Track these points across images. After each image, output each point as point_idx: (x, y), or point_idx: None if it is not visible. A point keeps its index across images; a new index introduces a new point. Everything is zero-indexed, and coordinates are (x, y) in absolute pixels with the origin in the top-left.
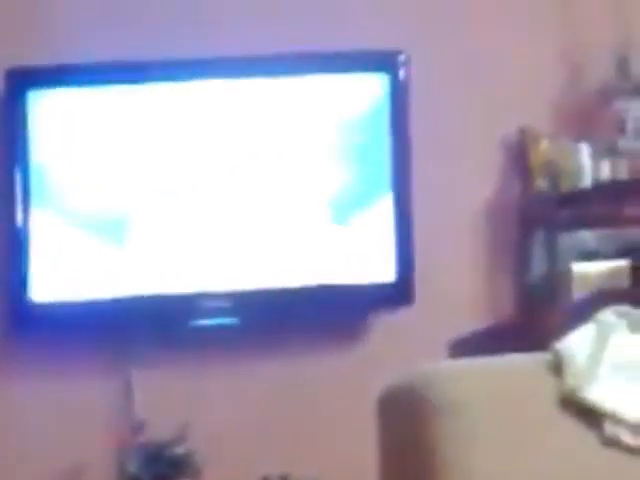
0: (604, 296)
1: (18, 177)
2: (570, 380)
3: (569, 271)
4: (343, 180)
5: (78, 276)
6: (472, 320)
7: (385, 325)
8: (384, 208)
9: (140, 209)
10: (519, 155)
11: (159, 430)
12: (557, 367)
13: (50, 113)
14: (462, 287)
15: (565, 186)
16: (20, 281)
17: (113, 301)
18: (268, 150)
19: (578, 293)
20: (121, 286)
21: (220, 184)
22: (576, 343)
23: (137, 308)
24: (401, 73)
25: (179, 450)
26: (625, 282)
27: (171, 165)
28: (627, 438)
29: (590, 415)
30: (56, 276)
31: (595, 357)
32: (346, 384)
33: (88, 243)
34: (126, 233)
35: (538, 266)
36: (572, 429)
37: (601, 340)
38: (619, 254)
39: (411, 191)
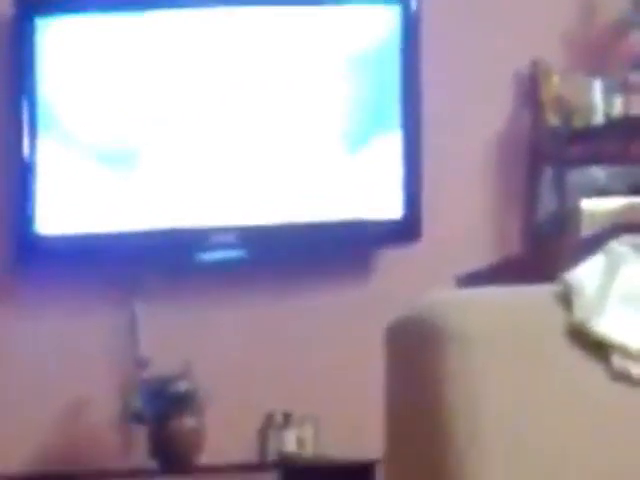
0: (617, 229)
1: (25, 107)
2: (579, 312)
3: (578, 208)
4: (352, 114)
5: (84, 208)
6: (480, 256)
7: (392, 261)
8: (393, 143)
9: (149, 141)
10: (531, 89)
11: (163, 366)
12: (566, 298)
13: (59, 41)
14: (470, 223)
15: (576, 122)
16: (26, 213)
17: (119, 235)
18: (278, 82)
19: (587, 230)
20: (127, 219)
21: (230, 116)
22: (585, 274)
23: (143, 242)
24: (413, 5)
25: (183, 386)
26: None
27: (181, 96)
28: (636, 371)
29: (599, 348)
30: (62, 209)
31: (604, 288)
32: (352, 321)
33: (95, 175)
34: (134, 165)
35: (547, 202)
36: (580, 362)
37: (611, 271)
38: (630, 191)
39: (421, 125)
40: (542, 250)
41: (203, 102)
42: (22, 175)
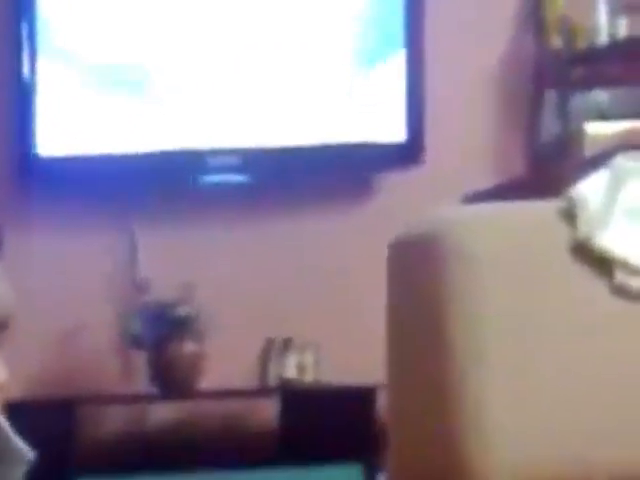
0: (618, 150)
1: (24, 26)
2: (583, 227)
3: (581, 131)
4: (355, 36)
5: (85, 130)
6: (483, 180)
7: (395, 184)
8: (396, 67)
9: (152, 61)
10: (534, 10)
11: (163, 290)
12: (570, 214)
13: None
14: (473, 146)
15: (580, 44)
16: (26, 135)
17: (119, 157)
18: (281, 5)
19: (590, 153)
20: (128, 141)
21: (236, 36)
22: (590, 189)
23: (144, 164)
24: None
25: (183, 311)
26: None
27: (185, 14)
28: (637, 285)
29: (602, 262)
30: (62, 130)
31: (608, 203)
32: (355, 245)
33: (96, 96)
34: (136, 86)
35: (551, 126)
36: (584, 277)
37: (615, 186)
38: (634, 114)
39: (424, 47)
40: (545, 172)
41: (208, 21)
42: (22, 96)
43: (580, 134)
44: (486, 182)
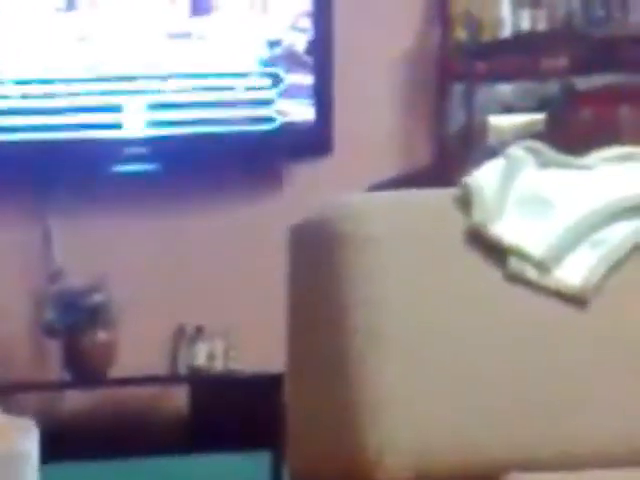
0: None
1: None
2: (478, 215)
3: (485, 123)
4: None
5: None
6: (391, 168)
7: (303, 175)
8: (305, 58)
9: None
10: (440, 4)
11: (76, 278)
12: (466, 202)
13: None
14: (381, 138)
15: (484, 37)
16: None
17: (32, 144)
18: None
19: (493, 145)
20: (40, 130)
21: (142, 31)
22: (485, 177)
23: (57, 153)
24: None
25: (96, 299)
26: (540, 135)
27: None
28: (531, 274)
29: (496, 250)
30: None
31: (503, 192)
32: (263, 235)
33: (9, 84)
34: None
35: (456, 118)
36: (478, 264)
37: (509, 175)
38: (536, 107)
39: (332, 38)
40: (450, 162)
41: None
42: None
43: (484, 126)
44: (393, 172)
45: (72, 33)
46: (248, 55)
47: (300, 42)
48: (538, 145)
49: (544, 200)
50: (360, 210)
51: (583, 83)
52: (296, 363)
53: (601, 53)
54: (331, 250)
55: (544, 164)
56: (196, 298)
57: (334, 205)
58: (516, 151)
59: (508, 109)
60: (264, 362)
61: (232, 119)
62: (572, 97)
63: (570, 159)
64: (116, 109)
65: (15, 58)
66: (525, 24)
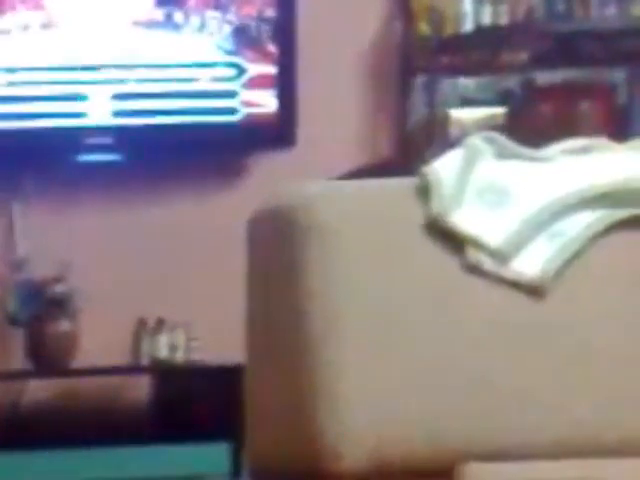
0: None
1: None
2: (436, 205)
3: (447, 116)
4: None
5: None
6: (354, 160)
7: (266, 166)
8: (269, 48)
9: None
10: None
11: (39, 268)
12: (424, 192)
13: None
14: (344, 130)
15: (447, 31)
16: None
17: None
18: None
19: (455, 137)
20: (3, 118)
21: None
22: (444, 167)
23: (21, 141)
24: None
25: (59, 289)
26: (500, 129)
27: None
28: (488, 264)
29: (454, 240)
30: None
31: (461, 182)
32: (225, 227)
33: None
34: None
35: (418, 111)
36: (435, 254)
37: (468, 165)
38: (496, 101)
39: (295, 30)
40: (412, 154)
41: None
42: None
43: (445, 119)
44: (357, 164)
45: (37, 21)
46: (212, 45)
47: (264, 33)
48: (497, 136)
49: (502, 190)
50: (317, 198)
51: (543, 77)
52: (254, 353)
53: (561, 48)
54: (288, 238)
55: (503, 155)
56: (158, 289)
57: (291, 193)
58: (475, 141)
59: (469, 102)
60: (225, 353)
61: (196, 109)
62: (532, 91)
63: (529, 150)
64: (81, 98)
65: None
66: (487, 18)
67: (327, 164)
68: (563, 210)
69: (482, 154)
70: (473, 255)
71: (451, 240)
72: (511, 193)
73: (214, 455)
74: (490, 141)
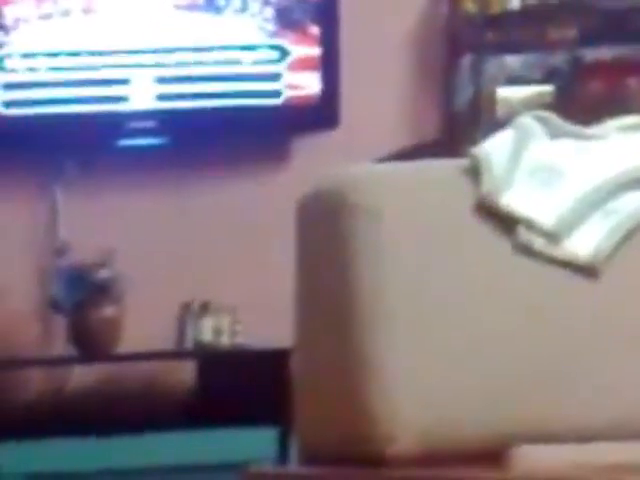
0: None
1: None
2: (486, 185)
3: (493, 95)
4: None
5: (2, 90)
6: (399, 141)
7: (310, 148)
8: (312, 30)
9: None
10: None
11: (83, 253)
12: (475, 172)
13: None
14: (388, 111)
15: (493, 9)
16: None
17: (39, 118)
18: None
19: (502, 117)
20: (47, 103)
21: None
22: (494, 147)
23: (64, 127)
24: None
25: (102, 274)
26: (548, 107)
27: None
28: (540, 245)
29: (505, 221)
30: None
31: (512, 162)
32: (270, 209)
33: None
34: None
35: (464, 90)
36: (486, 235)
37: (519, 145)
38: (544, 79)
39: (338, 9)
40: (458, 134)
41: None
42: None
43: (492, 98)
44: (401, 145)
45: (78, 5)
46: (254, 28)
47: (307, 14)
48: (548, 114)
49: (555, 170)
50: (366, 180)
51: (591, 54)
52: (303, 335)
53: (610, 24)
54: (339, 221)
55: (554, 134)
56: (202, 273)
57: (342, 176)
58: (526, 120)
59: (516, 81)
60: (270, 337)
61: (239, 92)
62: (580, 69)
63: (580, 129)
64: (123, 82)
65: (21, 31)
66: None
67: (371, 145)
68: (616, 189)
69: (533, 133)
70: (525, 236)
71: (502, 221)
72: (563, 172)
73: (260, 440)
74: (541, 120)
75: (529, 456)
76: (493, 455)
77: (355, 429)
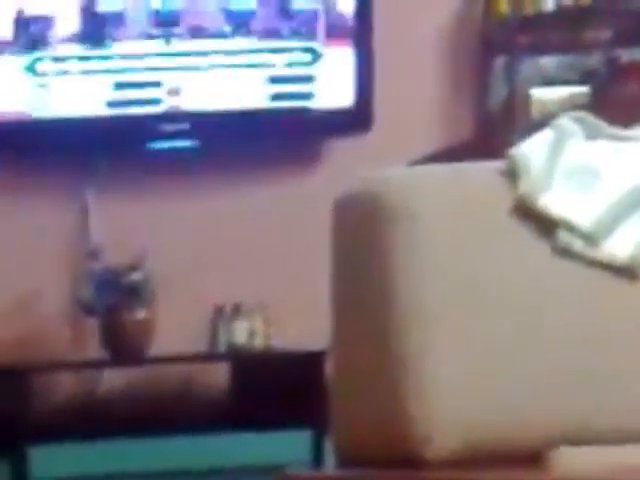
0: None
1: None
2: (524, 187)
3: (528, 97)
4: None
5: (33, 93)
6: (432, 143)
7: (343, 150)
8: (345, 32)
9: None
10: None
11: (115, 256)
12: (512, 174)
13: None
14: (422, 113)
15: (527, 10)
16: None
17: (71, 121)
18: None
19: (536, 118)
20: (78, 107)
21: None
22: (532, 149)
23: (96, 129)
24: None
25: (135, 277)
26: (583, 108)
27: None
28: (578, 246)
29: (544, 223)
30: (10, 93)
31: (550, 163)
32: (302, 212)
33: (51, 62)
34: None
35: (498, 91)
36: (525, 237)
37: (557, 146)
38: (579, 80)
39: (371, 12)
40: (492, 136)
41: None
42: None
43: (526, 99)
44: (435, 147)
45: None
46: (288, 30)
47: (340, 16)
48: (586, 116)
49: (593, 171)
50: (405, 183)
51: (627, 55)
52: (340, 337)
53: None
54: (376, 224)
55: (591, 135)
56: (235, 275)
57: (378, 179)
58: (563, 121)
59: (551, 82)
60: (303, 339)
61: (272, 95)
62: (616, 70)
63: (618, 130)
64: (155, 85)
65: (54, 34)
66: None
67: (405, 147)
68: None
69: (571, 135)
70: (563, 237)
71: (540, 222)
72: (601, 174)
73: (295, 443)
74: (579, 121)
75: (569, 458)
76: (532, 457)
77: (393, 430)
